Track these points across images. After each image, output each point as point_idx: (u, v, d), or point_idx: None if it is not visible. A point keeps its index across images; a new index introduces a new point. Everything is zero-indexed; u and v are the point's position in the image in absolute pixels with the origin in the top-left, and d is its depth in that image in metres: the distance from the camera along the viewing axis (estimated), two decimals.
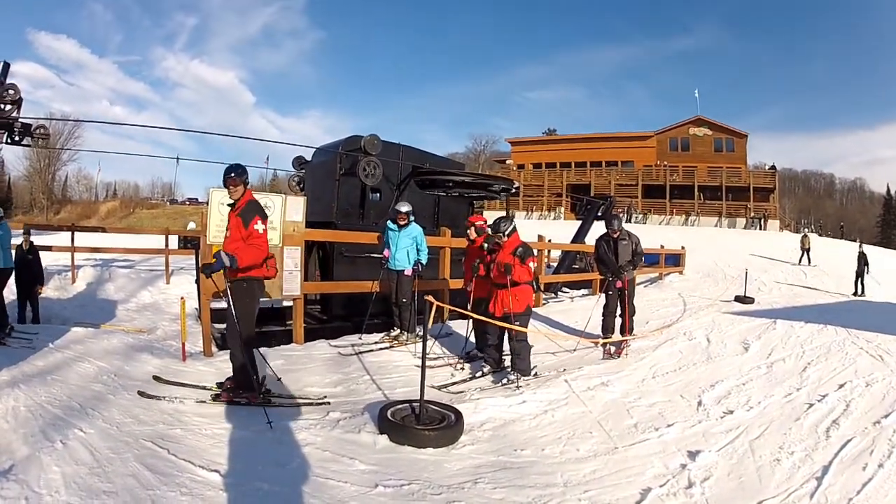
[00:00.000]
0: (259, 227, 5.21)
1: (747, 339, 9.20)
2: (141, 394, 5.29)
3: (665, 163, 49.83)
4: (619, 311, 8.79)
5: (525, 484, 4.11)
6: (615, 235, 8.76)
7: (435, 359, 7.34)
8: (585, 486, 4.10)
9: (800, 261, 26.63)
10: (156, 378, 5.84)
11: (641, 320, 10.99)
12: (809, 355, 8.17)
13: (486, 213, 46.11)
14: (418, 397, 5.07)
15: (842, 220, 69.84)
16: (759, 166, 54.89)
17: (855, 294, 19.43)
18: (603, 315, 8.87)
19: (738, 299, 15.26)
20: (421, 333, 8.02)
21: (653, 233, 32.07)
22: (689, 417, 5.54)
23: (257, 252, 5.20)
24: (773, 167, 50.84)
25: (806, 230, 40.74)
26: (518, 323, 6.64)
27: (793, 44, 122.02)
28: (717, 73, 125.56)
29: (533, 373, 6.80)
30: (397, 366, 7.11)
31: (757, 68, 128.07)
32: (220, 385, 5.53)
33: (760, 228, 42.89)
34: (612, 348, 8.24)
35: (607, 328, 8.75)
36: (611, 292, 8.85)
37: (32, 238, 10.18)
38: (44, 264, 10.69)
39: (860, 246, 21.92)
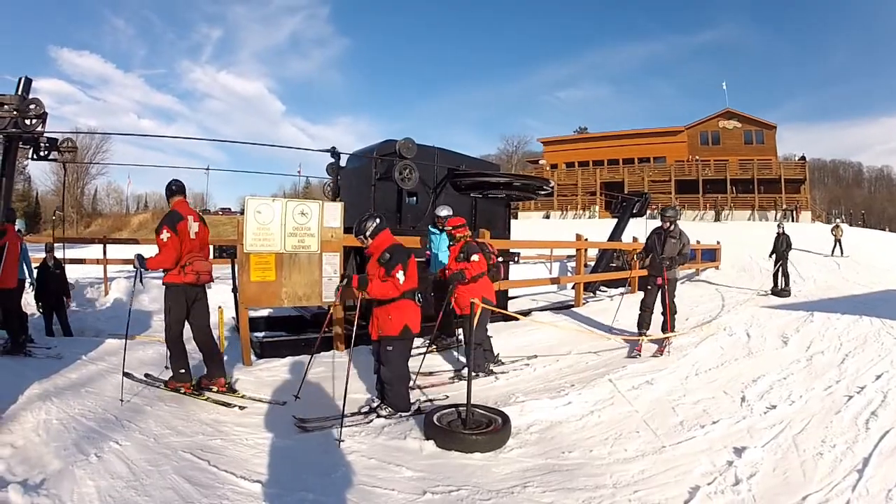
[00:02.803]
0: (163, 235, 5.67)
1: (786, 333, 9.15)
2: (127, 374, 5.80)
3: (696, 157, 49.28)
4: (660, 310, 8.60)
5: (574, 486, 4.03)
6: (667, 227, 8.63)
7: (428, 374, 7.01)
8: (635, 487, 4.03)
9: (832, 251, 26.12)
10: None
11: (681, 317, 10.83)
12: (847, 347, 8.14)
13: (521, 214, 45.93)
14: (464, 402, 4.99)
15: (871, 209, 68.77)
16: (788, 157, 54.14)
17: (774, 290, 15.76)
18: (640, 309, 8.73)
19: (774, 293, 15.07)
20: (459, 337, 7.95)
21: (687, 228, 31.76)
22: (733, 413, 5.46)
23: (157, 257, 5.72)
24: (802, 157, 49.86)
25: (837, 220, 39.85)
26: (391, 348, 5.35)
27: (817, 31, 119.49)
28: (744, 65, 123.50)
29: (414, 408, 5.52)
30: (441, 369, 7.06)
31: (783, 58, 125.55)
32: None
33: (792, 220, 42.26)
34: (643, 345, 8.14)
35: (643, 323, 8.61)
36: (650, 287, 8.72)
37: (59, 253, 10.27)
38: (76, 277, 10.75)
39: (780, 226, 17.48)
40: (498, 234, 10.86)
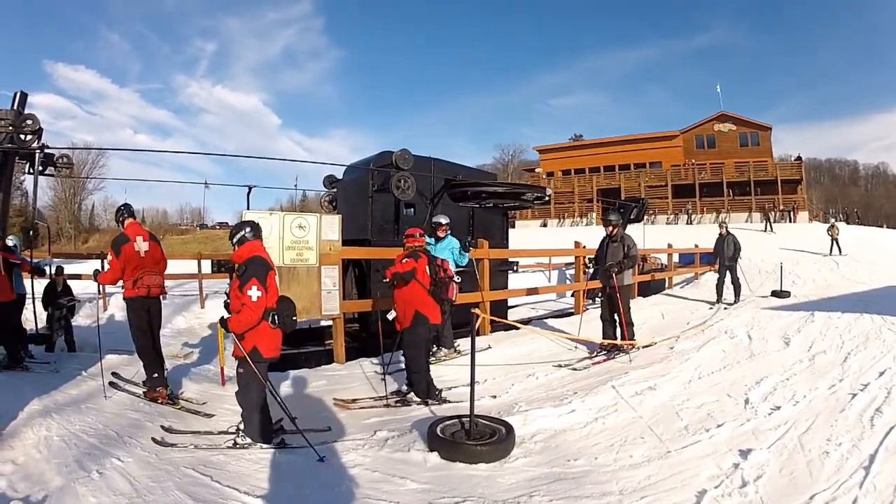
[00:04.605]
0: (109, 256, 6.40)
1: (787, 334, 9.10)
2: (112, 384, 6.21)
3: (693, 161, 49.32)
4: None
5: (581, 494, 4.00)
6: (610, 232, 8.72)
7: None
8: (642, 493, 4.00)
9: (830, 250, 26.11)
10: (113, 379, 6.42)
11: (681, 321, 10.82)
12: (849, 345, 8.11)
13: (518, 223, 45.90)
14: (467, 412, 4.96)
15: (869, 206, 68.86)
16: (784, 158, 54.25)
17: (719, 301, 13.85)
18: (601, 321, 8.89)
19: (774, 294, 15.03)
20: (458, 348, 7.91)
21: (686, 232, 31.92)
22: (737, 416, 5.44)
23: (104, 275, 6.43)
24: (798, 158, 49.94)
25: (833, 219, 39.70)
26: (242, 371, 4.84)
27: (808, 31, 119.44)
28: (738, 68, 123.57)
29: (276, 441, 4.91)
30: (442, 381, 6.97)
31: (776, 59, 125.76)
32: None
33: (790, 221, 42.22)
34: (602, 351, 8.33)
35: (604, 335, 8.70)
36: (602, 297, 8.89)
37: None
38: (75, 292, 10.78)
39: (722, 226, 15.14)
40: (496, 244, 10.84)
